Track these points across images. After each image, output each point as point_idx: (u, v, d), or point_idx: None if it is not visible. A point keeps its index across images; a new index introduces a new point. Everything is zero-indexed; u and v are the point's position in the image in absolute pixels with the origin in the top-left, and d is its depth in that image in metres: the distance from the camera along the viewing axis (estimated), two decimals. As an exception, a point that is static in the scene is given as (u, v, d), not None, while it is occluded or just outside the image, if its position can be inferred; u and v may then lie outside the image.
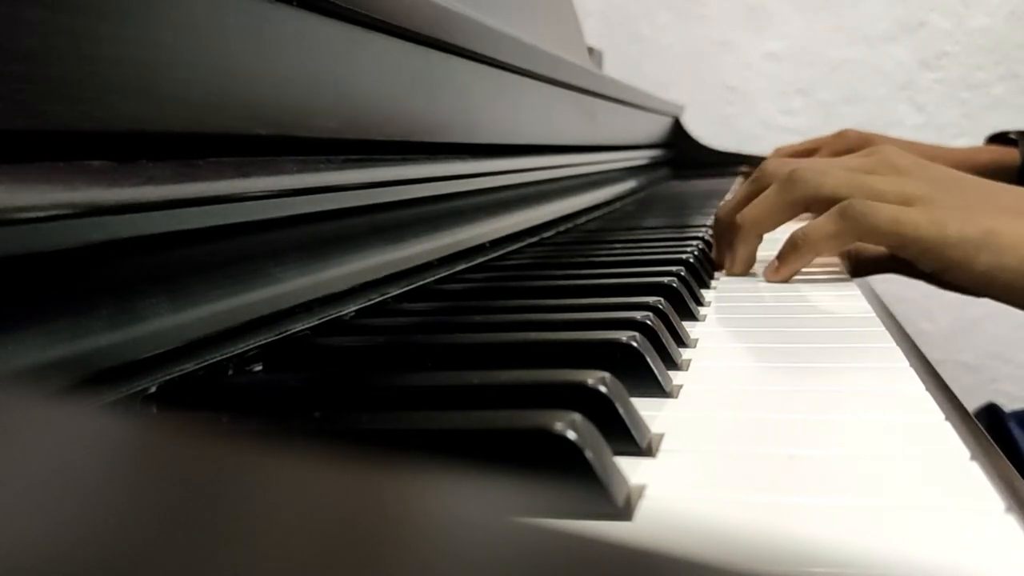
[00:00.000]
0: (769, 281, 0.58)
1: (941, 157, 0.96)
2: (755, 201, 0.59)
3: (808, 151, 1.09)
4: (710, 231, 0.72)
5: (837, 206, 0.54)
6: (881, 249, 0.60)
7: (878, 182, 0.55)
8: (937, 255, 0.52)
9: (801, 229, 0.56)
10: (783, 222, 0.59)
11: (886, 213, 0.52)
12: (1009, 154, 1.01)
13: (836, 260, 0.67)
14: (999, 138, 1.07)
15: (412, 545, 0.07)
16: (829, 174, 0.56)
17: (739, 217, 0.60)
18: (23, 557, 0.07)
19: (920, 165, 0.57)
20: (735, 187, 1.18)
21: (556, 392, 0.26)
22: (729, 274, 0.61)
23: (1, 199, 0.21)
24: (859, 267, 0.66)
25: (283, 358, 0.34)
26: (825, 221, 0.54)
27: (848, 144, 1.03)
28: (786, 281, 0.58)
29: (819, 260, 0.67)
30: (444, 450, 0.23)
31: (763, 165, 0.63)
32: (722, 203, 0.67)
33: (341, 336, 0.38)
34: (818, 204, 0.56)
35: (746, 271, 0.61)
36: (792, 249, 0.56)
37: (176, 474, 0.09)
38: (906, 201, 0.53)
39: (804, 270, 0.59)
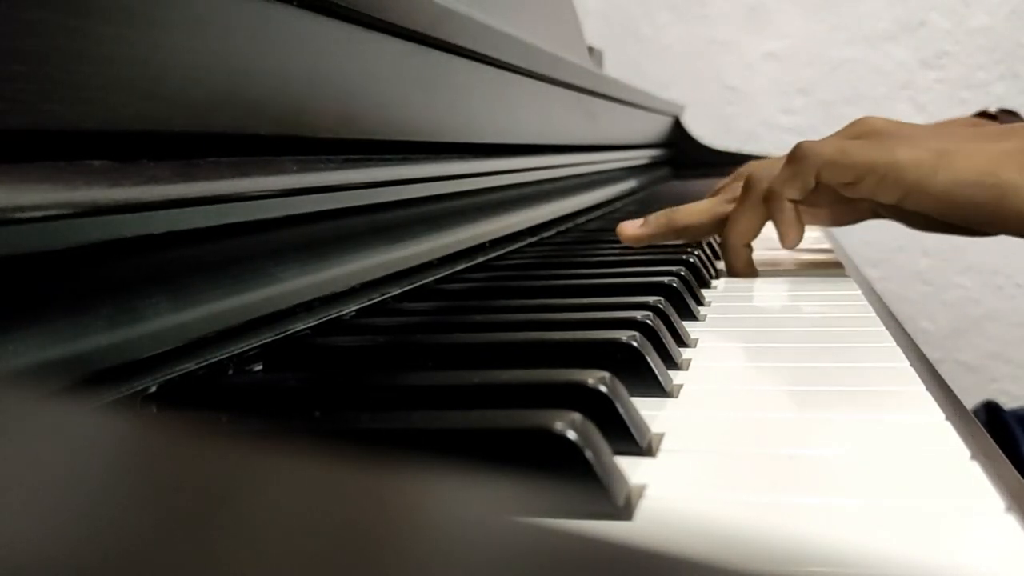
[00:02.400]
0: (786, 246, 0.59)
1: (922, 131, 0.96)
2: (730, 217, 0.61)
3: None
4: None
5: (788, 153, 0.57)
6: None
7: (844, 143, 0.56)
8: (892, 181, 0.52)
9: (760, 185, 0.58)
10: (760, 226, 0.60)
11: (834, 144, 0.55)
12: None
13: (834, 258, 0.67)
14: (982, 116, 1.07)
15: (412, 545, 0.07)
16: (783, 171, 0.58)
17: (722, 236, 0.62)
18: (24, 557, 0.07)
19: (895, 123, 0.59)
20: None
21: (556, 392, 0.26)
22: (786, 246, 0.61)
23: (1, 199, 0.21)
24: (837, 216, 0.66)
25: (283, 358, 0.34)
26: (780, 170, 0.57)
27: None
28: (794, 243, 0.59)
29: (818, 259, 0.67)
30: (444, 450, 0.23)
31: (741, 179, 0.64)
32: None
33: (341, 336, 0.38)
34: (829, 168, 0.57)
35: (800, 237, 0.60)
36: (770, 208, 0.58)
37: (176, 474, 0.09)
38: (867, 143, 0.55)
39: (805, 270, 0.59)
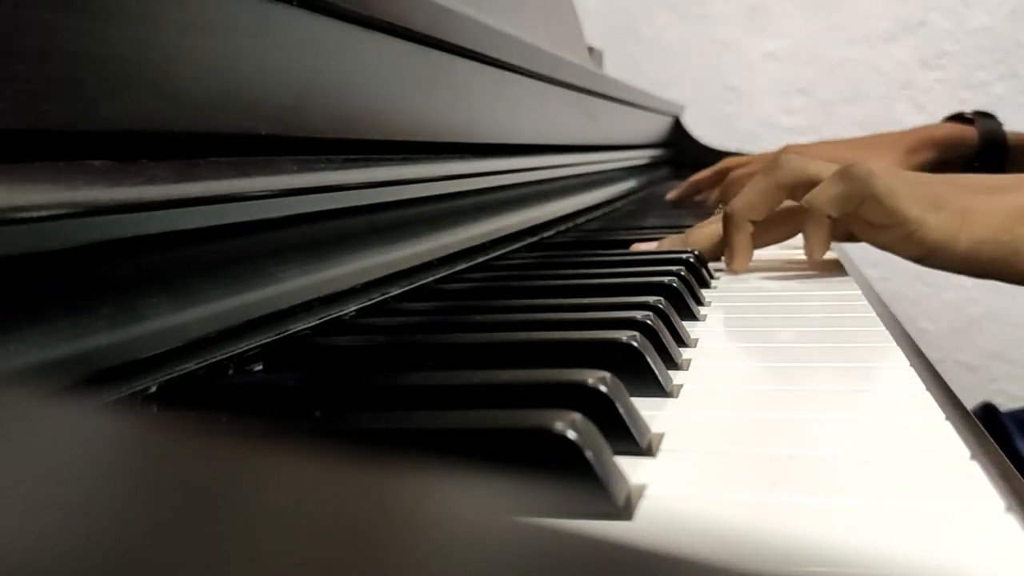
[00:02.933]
0: (811, 260, 0.60)
1: (893, 142, 0.97)
2: (743, 189, 0.61)
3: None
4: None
5: (838, 169, 0.56)
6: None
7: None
8: (917, 240, 0.54)
9: (804, 198, 0.57)
10: (773, 207, 0.61)
11: (886, 181, 0.55)
12: (967, 131, 1.01)
13: (834, 258, 0.67)
14: (955, 118, 1.06)
15: (412, 544, 0.07)
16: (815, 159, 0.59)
17: (728, 207, 0.62)
18: (24, 557, 0.07)
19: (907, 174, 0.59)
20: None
21: (556, 392, 0.26)
22: (732, 269, 0.62)
23: (1, 199, 0.21)
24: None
25: (283, 358, 0.34)
26: (828, 184, 0.56)
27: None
28: (820, 257, 0.59)
29: (820, 262, 0.67)
30: (444, 450, 0.23)
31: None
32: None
33: (341, 336, 0.38)
34: (803, 187, 0.59)
35: (746, 263, 0.61)
36: (810, 222, 0.58)
37: (176, 474, 0.09)
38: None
39: (805, 270, 0.59)
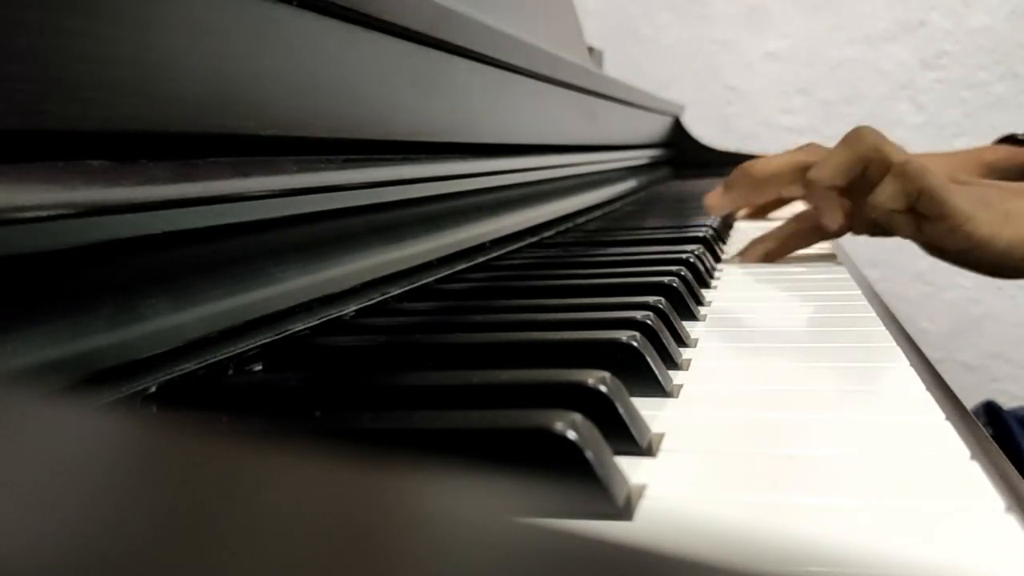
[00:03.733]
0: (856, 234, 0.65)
1: (944, 161, 0.96)
2: (822, 161, 0.63)
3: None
4: (711, 231, 0.72)
5: (896, 165, 0.59)
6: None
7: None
8: (964, 233, 0.58)
9: (870, 201, 0.60)
10: (852, 176, 0.62)
11: (940, 178, 0.59)
12: (1020, 154, 1.00)
13: (834, 258, 0.67)
14: (1007, 140, 1.06)
15: (412, 545, 0.07)
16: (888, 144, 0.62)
17: (810, 175, 0.63)
18: (24, 557, 0.07)
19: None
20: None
21: (556, 392, 0.26)
22: (827, 227, 0.64)
23: (1, 199, 0.21)
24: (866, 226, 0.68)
25: (283, 358, 0.34)
26: (888, 183, 0.59)
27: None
28: (836, 224, 0.63)
29: (819, 258, 0.67)
30: (444, 450, 0.23)
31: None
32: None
33: (341, 336, 0.38)
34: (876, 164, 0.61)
35: (839, 219, 0.64)
36: (879, 219, 0.61)
37: (176, 474, 0.09)
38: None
39: (805, 270, 0.59)
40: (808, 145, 0.69)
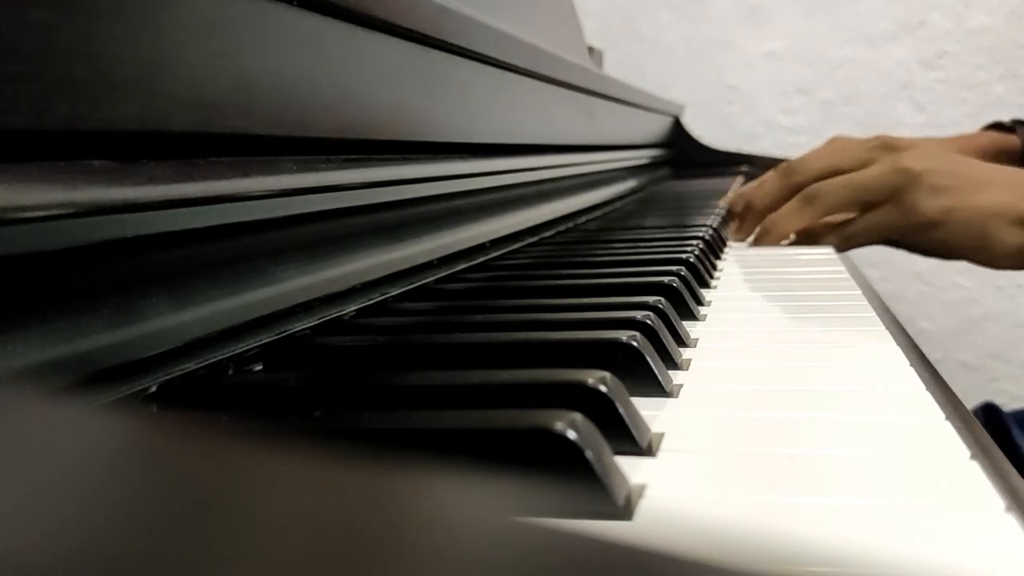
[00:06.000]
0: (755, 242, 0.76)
1: (941, 145, 0.99)
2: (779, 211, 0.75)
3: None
4: (711, 231, 0.72)
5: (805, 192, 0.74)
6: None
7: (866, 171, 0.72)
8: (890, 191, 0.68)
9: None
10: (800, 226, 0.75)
11: (840, 181, 0.70)
12: (1008, 140, 1.01)
13: (834, 258, 0.67)
14: (995, 127, 1.06)
15: (412, 545, 0.07)
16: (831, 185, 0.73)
17: (767, 222, 0.75)
18: (24, 557, 0.07)
19: (908, 141, 0.75)
20: (735, 187, 1.18)
21: (556, 392, 0.26)
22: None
23: (1, 199, 0.21)
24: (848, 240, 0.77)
25: (283, 358, 0.34)
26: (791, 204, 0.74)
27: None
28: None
29: (818, 259, 0.67)
30: (444, 450, 0.23)
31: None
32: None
33: (341, 336, 0.38)
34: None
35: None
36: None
37: (176, 474, 0.09)
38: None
39: (805, 270, 0.59)
40: (833, 141, 0.81)
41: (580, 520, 0.21)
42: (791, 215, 0.73)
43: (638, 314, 0.36)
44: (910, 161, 0.68)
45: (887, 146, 0.71)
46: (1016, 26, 1.81)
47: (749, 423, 0.28)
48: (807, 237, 0.75)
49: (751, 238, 0.77)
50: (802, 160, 0.77)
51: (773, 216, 0.75)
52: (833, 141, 0.82)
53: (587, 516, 0.21)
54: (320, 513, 0.08)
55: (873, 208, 0.70)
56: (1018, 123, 1.02)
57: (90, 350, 0.24)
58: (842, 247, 0.73)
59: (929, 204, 0.67)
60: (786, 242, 0.76)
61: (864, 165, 0.71)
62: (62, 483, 0.08)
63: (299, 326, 0.36)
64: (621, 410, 0.26)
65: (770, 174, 0.79)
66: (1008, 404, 0.86)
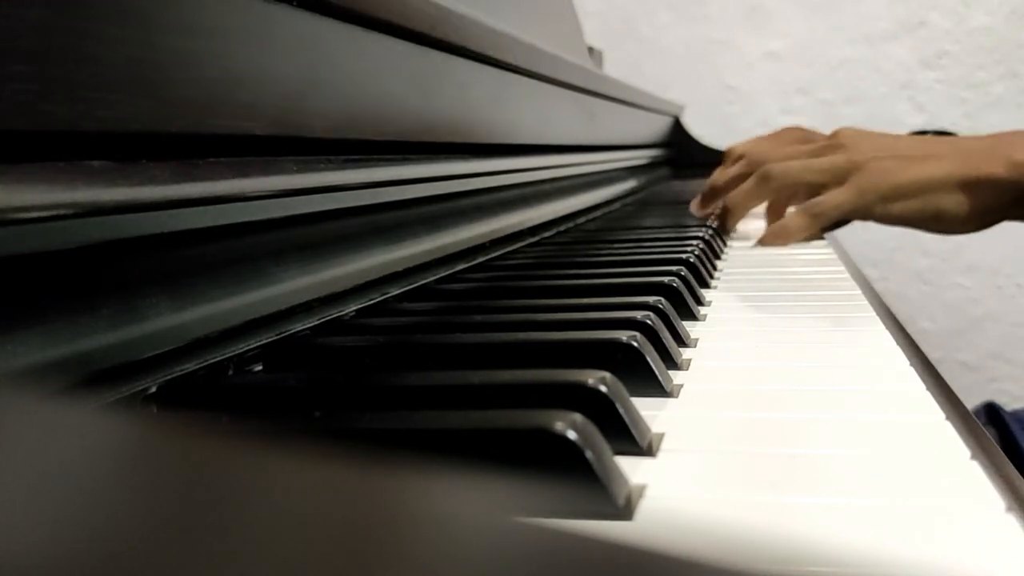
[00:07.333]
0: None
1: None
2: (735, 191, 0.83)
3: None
4: (711, 231, 0.72)
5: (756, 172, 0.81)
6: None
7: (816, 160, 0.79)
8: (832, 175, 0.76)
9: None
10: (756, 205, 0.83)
11: (796, 164, 0.79)
12: None
13: (834, 258, 0.67)
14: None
15: (412, 545, 0.07)
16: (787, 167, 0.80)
17: (727, 200, 0.84)
18: (24, 557, 0.07)
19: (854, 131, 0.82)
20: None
21: (556, 392, 0.26)
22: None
23: (1, 199, 0.21)
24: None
25: (283, 358, 0.34)
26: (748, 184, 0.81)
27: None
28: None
29: (818, 259, 0.67)
30: (444, 450, 0.23)
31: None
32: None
33: (341, 336, 0.38)
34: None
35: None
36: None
37: (176, 474, 0.09)
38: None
39: (805, 270, 0.59)
40: (785, 130, 0.93)
41: (580, 520, 0.21)
42: (748, 193, 0.81)
43: (638, 314, 0.36)
44: (856, 154, 0.76)
45: (835, 146, 0.79)
46: (1016, 26, 1.80)
47: (749, 423, 0.28)
48: (775, 216, 0.83)
49: (717, 220, 0.85)
50: (756, 146, 0.92)
51: (732, 194, 0.83)
52: (788, 130, 0.97)
53: (587, 516, 0.21)
54: (320, 513, 0.08)
55: (829, 189, 0.77)
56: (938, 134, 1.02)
57: (90, 350, 0.24)
58: (811, 227, 0.77)
59: (878, 182, 0.74)
60: (786, 244, 0.76)
61: (814, 156, 0.80)
62: (62, 484, 0.08)
63: (299, 326, 0.36)
64: (621, 410, 0.26)
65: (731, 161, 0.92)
66: (1008, 404, 0.86)
